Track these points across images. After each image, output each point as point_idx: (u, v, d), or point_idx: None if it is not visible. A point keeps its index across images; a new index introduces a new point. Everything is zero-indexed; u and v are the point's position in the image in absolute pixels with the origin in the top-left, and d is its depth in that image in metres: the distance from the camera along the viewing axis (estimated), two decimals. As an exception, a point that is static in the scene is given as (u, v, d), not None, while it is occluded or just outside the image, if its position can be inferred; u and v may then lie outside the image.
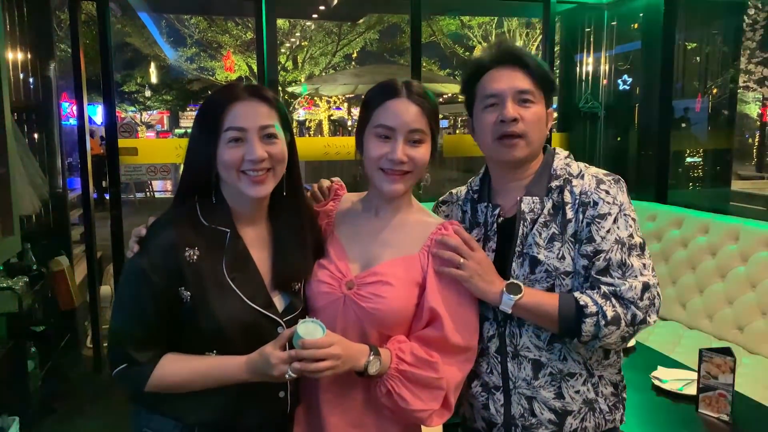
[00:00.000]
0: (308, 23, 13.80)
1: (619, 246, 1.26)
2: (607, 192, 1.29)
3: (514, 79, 1.33)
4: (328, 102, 16.71)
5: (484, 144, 1.38)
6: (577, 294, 1.26)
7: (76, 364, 3.42)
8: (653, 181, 3.93)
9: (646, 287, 1.25)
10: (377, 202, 1.37)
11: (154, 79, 16.53)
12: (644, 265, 1.27)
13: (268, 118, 1.22)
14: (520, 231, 1.32)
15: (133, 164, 3.72)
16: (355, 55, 15.88)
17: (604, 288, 1.25)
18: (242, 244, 1.24)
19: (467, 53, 12.31)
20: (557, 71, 4.77)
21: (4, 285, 2.54)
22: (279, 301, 1.26)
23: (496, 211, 1.39)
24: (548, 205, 1.33)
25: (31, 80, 3.56)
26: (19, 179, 2.97)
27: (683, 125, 4.34)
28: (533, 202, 1.33)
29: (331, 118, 17.76)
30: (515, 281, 1.28)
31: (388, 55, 15.59)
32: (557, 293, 1.28)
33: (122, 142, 3.53)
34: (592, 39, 4.51)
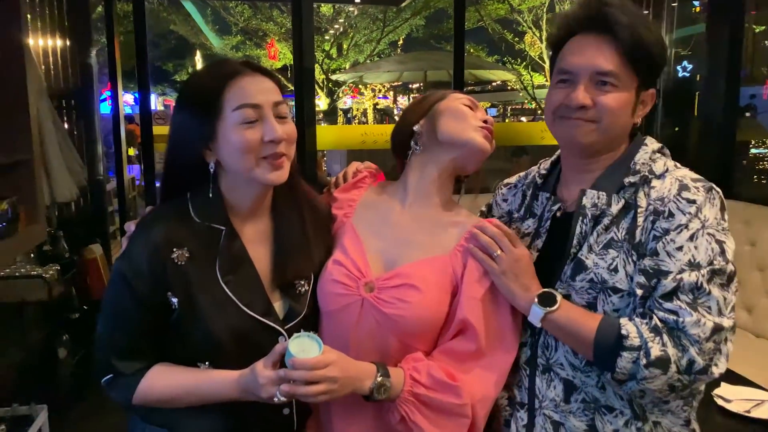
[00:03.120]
0: (352, 9, 13.67)
1: (693, 269, 1.02)
2: (691, 202, 1.05)
3: (596, 55, 1.09)
4: (373, 90, 16.57)
5: (546, 120, 1.19)
6: (623, 320, 1.04)
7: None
8: (715, 174, 3.64)
9: (718, 329, 1.00)
10: (410, 191, 1.22)
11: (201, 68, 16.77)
12: (725, 299, 1.02)
13: (277, 94, 1.08)
14: (578, 229, 1.11)
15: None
16: (401, 42, 15.66)
17: (658, 318, 1.01)
18: (239, 244, 1.10)
19: (516, 39, 11.94)
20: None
21: (34, 273, 2.52)
22: (280, 307, 1.13)
23: (556, 206, 1.19)
24: (617, 204, 1.10)
25: (69, 67, 3.55)
26: (57, 166, 2.96)
27: (747, 113, 4.01)
28: (598, 198, 1.11)
29: (377, 107, 17.61)
30: (552, 291, 1.08)
31: (434, 42, 15.31)
32: (600, 314, 1.07)
33: (157, 130, 3.49)
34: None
